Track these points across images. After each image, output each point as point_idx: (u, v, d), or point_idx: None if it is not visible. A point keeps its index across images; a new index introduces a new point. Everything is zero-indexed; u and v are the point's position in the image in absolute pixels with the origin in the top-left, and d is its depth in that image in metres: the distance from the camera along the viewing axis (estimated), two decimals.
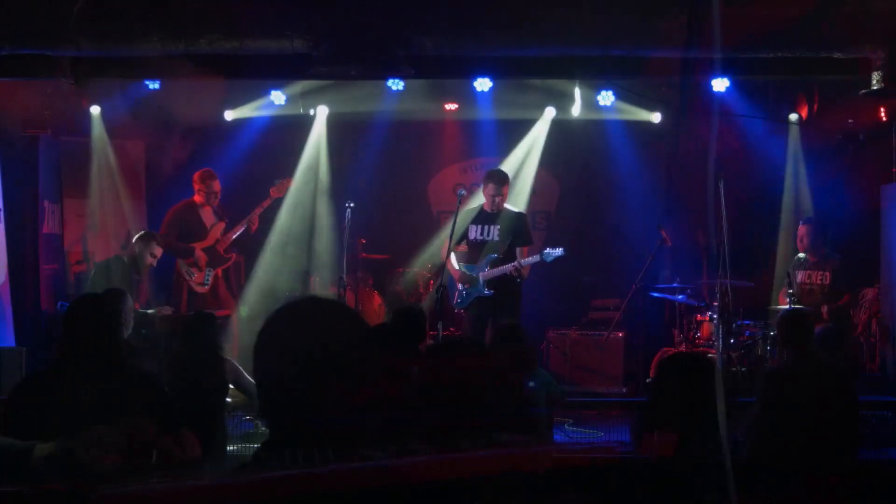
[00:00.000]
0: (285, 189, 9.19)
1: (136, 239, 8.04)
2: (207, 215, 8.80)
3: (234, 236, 8.82)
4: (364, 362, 1.78)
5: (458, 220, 7.90)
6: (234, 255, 8.97)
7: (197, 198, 8.75)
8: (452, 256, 7.98)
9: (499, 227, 7.99)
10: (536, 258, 8.06)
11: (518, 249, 8.01)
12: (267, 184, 9.16)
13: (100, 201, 9.45)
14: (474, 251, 7.99)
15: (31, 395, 3.48)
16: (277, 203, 9.48)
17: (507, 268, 7.86)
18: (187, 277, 8.59)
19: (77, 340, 3.50)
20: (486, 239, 8.02)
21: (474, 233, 8.00)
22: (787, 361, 5.33)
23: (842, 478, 4.86)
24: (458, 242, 8.01)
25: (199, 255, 8.60)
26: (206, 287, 8.62)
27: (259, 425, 6.85)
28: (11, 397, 3.54)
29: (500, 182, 7.95)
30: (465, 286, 7.95)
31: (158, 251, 7.99)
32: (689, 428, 2.56)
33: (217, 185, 8.75)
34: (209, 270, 8.63)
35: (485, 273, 7.92)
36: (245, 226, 8.81)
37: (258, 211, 8.92)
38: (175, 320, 7.58)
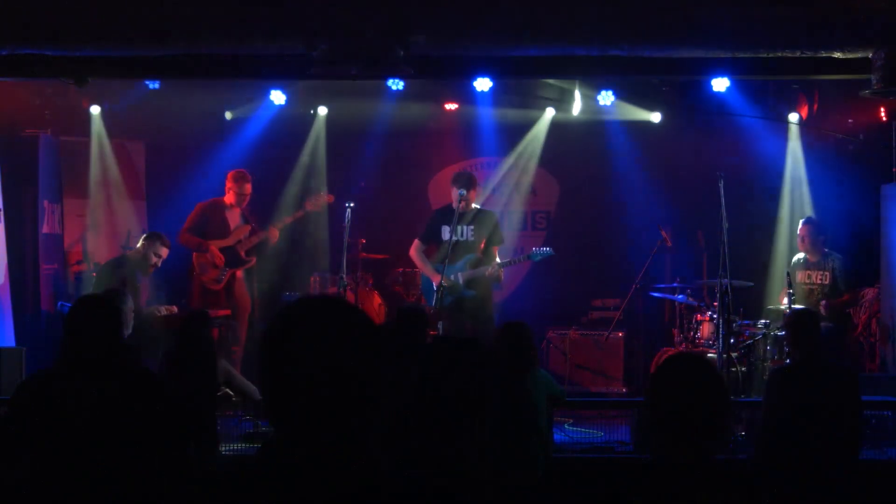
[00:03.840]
0: (322, 203, 9.10)
1: (143, 239, 8.05)
2: (234, 216, 8.77)
3: (257, 242, 8.79)
4: (375, 364, 1.77)
5: (429, 221, 7.97)
6: (255, 259, 8.89)
7: (227, 198, 8.74)
8: (423, 256, 8.02)
9: (472, 226, 8.03)
10: (524, 257, 8.08)
11: (488, 250, 8.04)
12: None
13: (100, 201, 9.45)
14: (448, 252, 7.92)
15: (34, 395, 3.48)
16: (276, 202, 9.46)
17: (487, 269, 7.88)
18: (200, 273, 8.58)
19: (79, 341, 3.50)
20: (460, 239, 8.02)
21: (448, 233, 7.96)
22: (793, 361, 5.33)
23: (844, 477, 4.87)
24: (428, 242, 8.05)
25: (214, 252, 8.56)
26: (220, 285, 8.60)
27: (259, 425, 6.85)
28: (15, 398, 3.54)
29: (466, 186, 7.97)
30: (444, 287, 7.90)
31: (164, 251, 8.01)
32: (687, 428, 2.56)
33: (248, 188, 8.72)
34: (224, 269, 8.60)
35: (465, 274, 7.93)
36: (264, 237, 8.76)
37: (284, 222, 8.86)
38: (177, 319, 7.58)
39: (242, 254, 8.71)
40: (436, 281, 7.89)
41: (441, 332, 7.26)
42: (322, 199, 9.10)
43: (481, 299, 7.97)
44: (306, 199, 9.05)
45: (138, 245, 8.07)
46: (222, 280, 8.58)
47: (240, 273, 8.75)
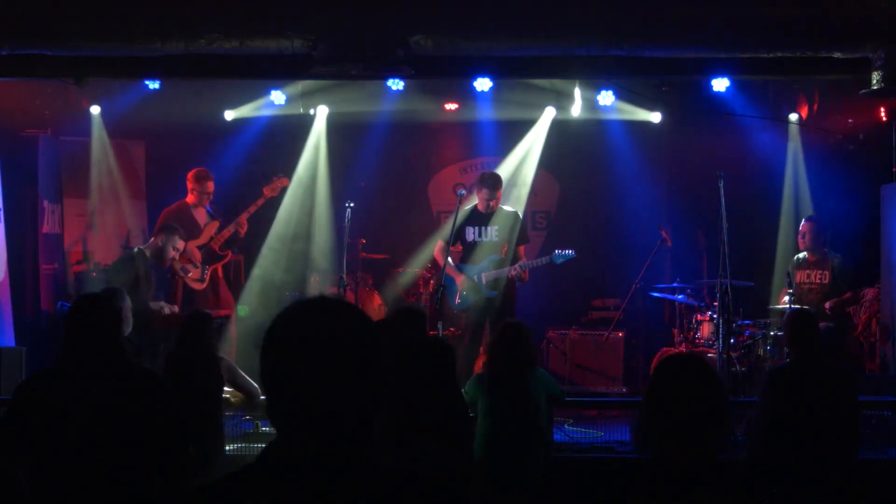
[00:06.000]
0: (280, 188, 9.16)
1: (158, 232, 8.00)
2: (201, 215, 8.79)
3: (228, 236, 8.82)
4: (375, 364, 1.78)
5: (452, 221, 7.98)
6: (231, 253, 8.94)
7: (189, 198, 8.74)
8: (446, 256, 8.02)
9: (496, 227, 8.03)
10: (546, 260, 8.07)
11: (514, 250, 8.05)
12: (264, 184, 9.16)
13: (100, 201, 9.45)
14: (473, 252, 8.02)
15: (35, 395, 3.48)
16: (277, 202, 9.47)
17: (510, 270, 7.88)
18: (182, 275, 8.58)
19: (79, 340, 3.50)
20: (485, 240, 8.04)
21: (472, 234, 8.03)
22: (791, 362, 5.33)
23: (842, 478, 4.87)
24: (454, 243, 8.05)
25: (192, 250, 8.56)
26: (203, 284, 8.61)
27: (259, 425, 6.85)
28: (15, 397, 3.54)
29: (494, 187, 8.00)
30: (465, 287, 7.96)
31: (181, 244, 7.98)
32: (685, 429, 2.56)
33: (210, 186, 8.73)
34: (204, 267, 8.62)
35: (488, 274, 7.95)
36: (234, 228, 8.79)
37: (249, 212, 8.89)
38: (172, 319, 7.57)
39: (217, 249, 8.73)
40: (458, 280, 7.91)
41: (440, 332, 7.26)
42: (278, 183, 9.13)
43: (503, 300, 7.96)
44: (264, 186, 9.06)
45: (154, 239, 8.02)
46: (205, 279, 8.59)
47: (220, 271, 8.78)
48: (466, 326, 8.15)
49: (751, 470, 4.93)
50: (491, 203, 7.99)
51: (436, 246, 8.27)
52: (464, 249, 8.04)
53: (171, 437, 3.54)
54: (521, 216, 8.30)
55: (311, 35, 6.01)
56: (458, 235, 8.01)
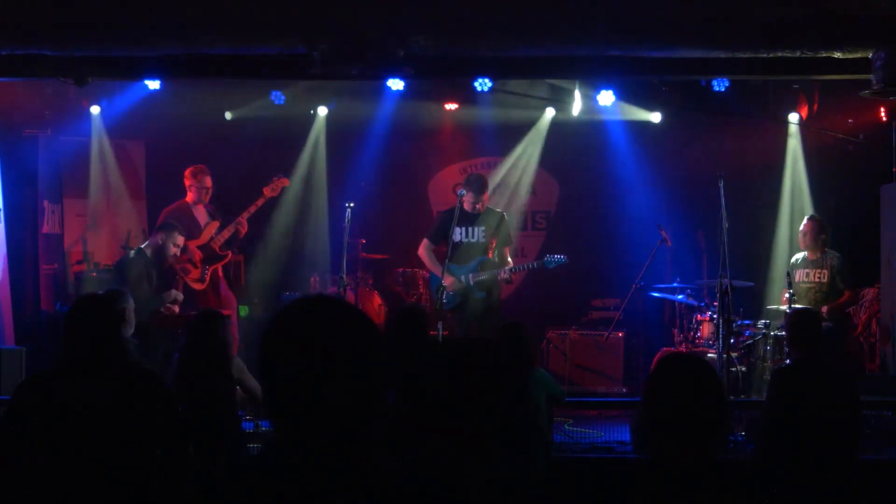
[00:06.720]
0: (280, 188, 9.14)
1: (158, 230, 7.99)
2: (201, 214, 8.76)
3: (228, 236, 8.80)
4: (373, 364, 1.78)
5: (438, 221, 7.98)
6: (231, 253, 8.92)
7: (189, 196, 8.71)
8: (433, 256, 8.03)
9: (483, 227, 8.04)
10: (538, 264, 8.08)
11: (499, 251, 8.06)
12: (264, 184, 9.16)
13: (100, 201, 9.44)
14: (459, 252, 7.97)
15: (35, 395, 3.48)
16: (276, 202, 9.46)
17: (500, 272, 7.90)
18: (182, 275, 8.57)
19: (79, 340, 3.50)
20: (472, 240, 8.04)
21: (459, 234, 7.98)
22: (793, 362, 5.32)
23: (842, 478, 4.86)
24: (438, 243, 8.06)
25: (193, 249, 8.54)
26: (203, 284, 8.59)
27: (259, 425, 6.85)
28: (15, 397, 3.54)
29: (480, 190, 8.00)
30: (453, 288, 7.93)
31: (181, 240, 7.97)
32: (685, 429, 2.56)
33: (208, 181, 8.68)
34: (205, 267, 8.61)
35: (476, 275, 7.94)
36: (234, 228, 8.76)
37: (249, 212, 8.85)
38: (172, 320, 7.56)
39: (217, 249, 8.72)
40: (447, 282, 7.92)
41: (440, 332, 7.25)
42: (279, 183, 9.09)
43: (490, 302, 7.98)
44: (263, 186, 9.04)
45: (153, 238, 8.01)
46: (205, 279, 8.57)
47: (220, 271, 8.77)
48: (453, 326, 8.13)
49: (755, 469, 4.93)
50: (477, 206, 8.01)
51: (420, 245, 8.27)
52: (450, 249, 8.01)
53: (171, 437, 3.54)
54: (506, 216, 8.31)
55: (311, 35, 6.01)
56: (444, 235, 8.01)
